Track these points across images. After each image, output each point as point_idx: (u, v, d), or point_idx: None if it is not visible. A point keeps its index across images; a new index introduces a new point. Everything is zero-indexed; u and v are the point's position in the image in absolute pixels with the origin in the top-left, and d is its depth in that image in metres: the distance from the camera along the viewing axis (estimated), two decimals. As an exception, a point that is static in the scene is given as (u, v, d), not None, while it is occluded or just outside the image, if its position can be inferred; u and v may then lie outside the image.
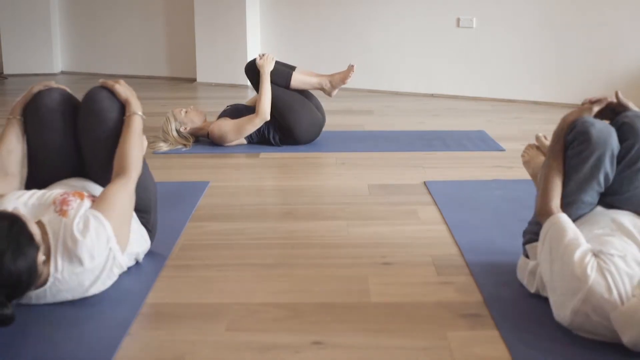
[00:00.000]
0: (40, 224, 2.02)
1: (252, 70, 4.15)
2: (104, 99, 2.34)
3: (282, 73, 4.15)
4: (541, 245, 2.01)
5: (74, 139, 2.37)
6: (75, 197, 2.11)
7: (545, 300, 2.11)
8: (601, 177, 2.06)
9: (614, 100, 2.17)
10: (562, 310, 1.88)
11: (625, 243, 1.90)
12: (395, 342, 1.91)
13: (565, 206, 2.08)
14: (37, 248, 1.89)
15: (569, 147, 2.10)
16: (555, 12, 5.51)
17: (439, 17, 5.95)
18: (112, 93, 2.36)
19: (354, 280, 2.32)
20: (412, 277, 2.35)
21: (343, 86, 4.43)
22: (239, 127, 4.09)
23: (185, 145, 4.13)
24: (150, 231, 2.46)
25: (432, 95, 6.11)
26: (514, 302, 2.12)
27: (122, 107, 2.37)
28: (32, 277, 1.87)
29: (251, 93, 6.26)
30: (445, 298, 2.18)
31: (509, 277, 2.29)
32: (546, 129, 4.68)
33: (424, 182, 3.44)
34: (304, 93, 4.24)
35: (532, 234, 2.18)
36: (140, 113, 2.37)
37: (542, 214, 2.07)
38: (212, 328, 2.00)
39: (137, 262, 2.37)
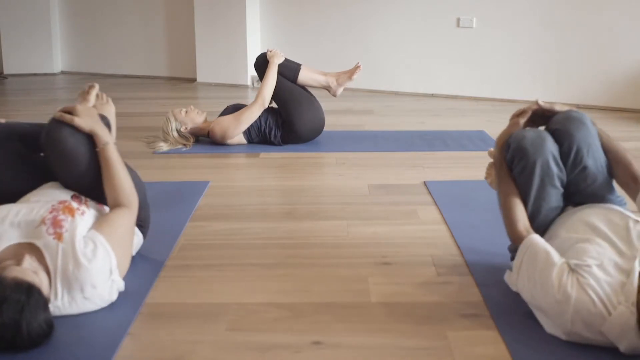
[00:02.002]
0: (35, 248, 1.98)
1: (261, 64, 4.18)
2: (66, 137, 2.15)
3: (290, 67, 4.18)
4: (516, 274, 2.01)
5: (36, 171, 2.29)
6: (66, 214, 2.06)
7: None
8: (554, 181, 2.09)
9: (536, 107, 2.21)
10: (554, 330, 1.88)
11: (601, 247, 1.88)
12: (395, 342, 1.91)
13: (533, 220, 2.10)
14: (48, 306, 1.86)
15: (512, 168, 2.14)
16: (555, 12, 5.51)
17: (439, 17, 5.95)
18: (73, 127, 2.17)
19: (354, 280, 2.32)
20: (412, 277, 2.35)
21: (345, 86, 4.45)
22: (238, 118, 4.09)
23: (185, 145, 4.13)
24: (142, 227, 2.45)
25: (432, 95, 6.11)
26: (514, 302, 2.12)
27: (89, 136, 2.20)
28: (51, 330, 1.85)
29: (251, 93, 6.26)
30: (445, 298, 2.18)
31: (509, 277, 2.29)
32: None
33: (424, 182, 3.44)
34: (307, 92, 4.25)
35: (514, 252, 2.18)
36: (111, 140, 2.24)
37: (514, 239, 2.09)
38: (212, 328, 2.00)
39: (132, 257, 2.37)
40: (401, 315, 2.07)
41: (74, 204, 2.13)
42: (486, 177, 2.63)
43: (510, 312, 2.06)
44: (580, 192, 2.13)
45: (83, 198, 2.25)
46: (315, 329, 1.99)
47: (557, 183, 2.10)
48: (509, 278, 2.12)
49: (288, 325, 2.02)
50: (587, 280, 1.79)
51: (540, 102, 2.23)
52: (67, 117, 2.18)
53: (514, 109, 6.01)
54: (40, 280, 1.89)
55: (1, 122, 2.39)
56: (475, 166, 3.74)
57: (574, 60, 5.51)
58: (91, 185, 2.24)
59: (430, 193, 3.25)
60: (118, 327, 1.98)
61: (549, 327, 1.90)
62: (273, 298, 2.19)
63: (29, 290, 1.78)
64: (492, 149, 2.61)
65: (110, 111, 3.25)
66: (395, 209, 3.06)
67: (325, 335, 1.95)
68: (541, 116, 2.24)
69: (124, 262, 2.12)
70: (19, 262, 1.91)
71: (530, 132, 2.12)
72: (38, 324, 1.77)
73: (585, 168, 2.10)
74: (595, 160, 2.10)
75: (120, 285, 2.09)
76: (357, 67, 4.30)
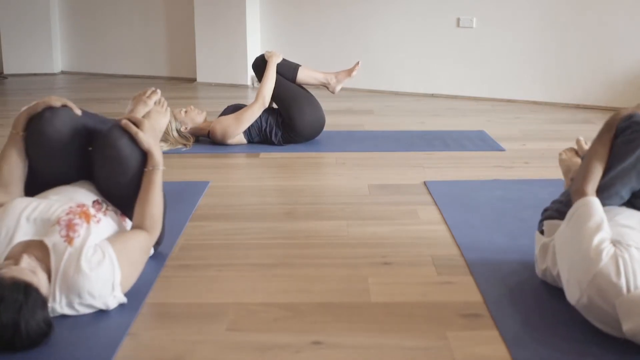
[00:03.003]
0: (43, 245, 1.98)
1: (259, 65, 4.18)
2: (125, 146, 2.18)
3: (289, 67, 4.18)
4: (567, 222, 2.02)
5: (79, 164, 2.30)
6: (82, 219, 2.05)
7: (546, 299, 2.11)
8: None
9: None
10: (571, 288, 1.90)
11: None
12: (395, 342, 1.91)
13: (600, 193, 2.08)
14: (47, 305, 1.86)
15: (620, 135, 2.09)
16: (555, 12, 5.51)
17: (439, 17, 5.95)
18: (133, 139, 2.21)
19: (354, 280, 2.32)
20: (412, 277, 2.35)
21: (344, 86, 4.46)
22: (238, 117, 4.09)
23: (185, 145, 4.13)
24: (158, 244, 2.46)
25: (432, 95, 6.11)
26: (514, 302, 2.12)
27: (143, 154, 2.23)
28: (50, 329, 1.85)
29: (251, 93, 6.27)
30: (445, 298, 2.18)
31: (509, 277, 2.29)
32: (546, 128, 4.70)
33: (424, 182, 3.44)
34: (307, 92, 4.26)
35: (553, 211, 2.19)
36: (161, 166, 2.26)
37: (576, 193, 2.07)
38: (212, 328, 2.00)
39: None
40: (401, 315, 2.07)
41: (92, 211, 2.12)
42: (560, 154, 2.67)
43: (510, 312, 2.06)
44: None
45: (104, 206, 2.24)
46: (315, 329, 1.99)
47: None
48: (549, 226, 2.13)
49: (288, 325, 2.01)
50: (623, 254, 1.82)
51: None
52: (133, 128, 2.21)
53: (514, 109, 6.00)
54: (38, 279, 1.88)
55: (68, 108, 2.30)
56: (475, 166, 3.74)
57: (574, 60, 5.51)
58: (125, 198, 2.26)
59: (430, 193, 3.25)
60: (118, 327, 1.98)
61: (568, 285, 1.92)
62: (273, 298, 2.19)
63: (27, 290, 1.78)
64: (581, 138, 2.63)
65: (163, 122, 3.20)
66: (395, 209, 3.06)
67: (325, 335, 1.95)
68: None
69: (128, 281, 2.11)
70: (17, 261, 1.91)
71: None
72: (37, 323, 1.77)
73: None
74: None
75: (122, 300, 2.08)
76: (356, 66, 4.31)
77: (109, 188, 2.28)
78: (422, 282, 2.30)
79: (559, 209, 2.16)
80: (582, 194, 2.04)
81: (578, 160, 2.60)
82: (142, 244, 2.19)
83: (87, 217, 2.07)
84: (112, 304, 2.05)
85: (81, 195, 2.23)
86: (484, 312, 2.08)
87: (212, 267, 2.44)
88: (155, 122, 2.86)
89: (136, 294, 2.17)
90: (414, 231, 2.78)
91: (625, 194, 2.10)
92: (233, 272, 2.39)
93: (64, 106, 2.29)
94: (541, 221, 2.24)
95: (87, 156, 2.32)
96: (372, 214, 2.99)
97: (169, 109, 3.22)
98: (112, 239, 2.09)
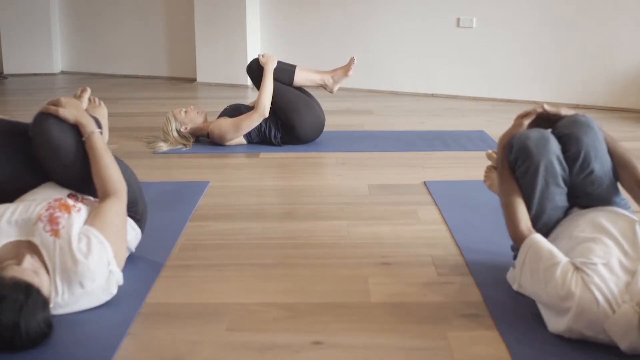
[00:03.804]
0: (32, 245, 1.99)
1: (254, 70, 4.15)
2: (51, 128, 2.17)
3: (285, 70, 4.16)
4: (519, 272, 2.01)
5: (31, 168, 2.27)
6: (62, 211, 2.06)
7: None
8: (558, 180, 2.09)
9: (542, 110, 2.19)
10: (556, 327, 1.88)
11: (607, 247, 1.89)
12: (395, 342, 1.91)
13: (537, 220, 2.10)
14: (48, 306, 1.86)
15: (516, 168, 2.14)
16: (555, 12, 5.51)
17: (439, 17, 5.95)
18: (58, 118, 2.18)
19: (354, 280, 2.32)
20: (412, 277, 2.35)
21: (343, 86, 4.45)
22: (237, 124, 4.09)
23: (185, 145, 4.13)
24: (140, 220, 2.45)
25: (432, 95, 6.11)
26: (514, 302, 2.12)
27: (75, 128, 2.21)
28: (50, 330, 1.85)
29: (251, 93, 6.27)
30: (445, 298, 2.18)
31: (509, 277, 2.29)
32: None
33: (424, 182, 3.44)
34: (305, 92, 4.25)
35: (516, 251, 2.18)
36: (96, 130, 2.25)
37: (516, 238, 2.09)
38: (212, 328, 2.00)
39: (130, 253, 2.38)
40: (401, 315, 2.07)
41: (70, 201, 2.13)
42: (485, 180, 2.62)
43: (510, 312, 2.06)
44: (587, 195, 2.14)
45: (80, 196, 2.25)
46: (315, 329, 1.99)
47: (561, 182, 2.10)
48: (511, 276, 2.12)
49: (288, 325, 2.01)
50: (592, 279, 1.79)
51: (546, 107, 2.22)
52: (52, 108, 2.19)
53: (514, 109, 6.01)
54: (40, 280, 1.88)
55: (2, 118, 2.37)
56: (475, 166, 3.74)
57: (574, 60, 5.51)
58: (79, 176, 2.24)
59: (430, 193, 3.25)
60: (118, 327, 1.98)
61: (551, 324, 1.90)
62: (273, 298, 2.19)
63: (28, 290, 1.78)
64: (490, 151, 2.61)
65: (103, 114, 3.24)
66: (395, 209, 3.06)
67: (325, 335, 1.95)
68: (546, 120, 2.23)
69: (120, 252, 2.12)
70: (19, 261, 1.91)
71: (534, 133, 2.12)
72: (37, 324, 1.77)
73: (592, 172, 2.10)
74: (602, 165, 2.11)
75: (119, 277, 2.09)
76: (351, 62, 4.26)
77: (63, 177, 2.26)
78: (422, 282, 2.30)
79: (516, 255, 2.14)
80: (521, 237, 2.04)
81: (493, 175, 2.56)
82: (115, 210, 2.16)
83: (67, 208, 2.08)
84: (112, 285, 2.06)
85: (55, 192, 2.23)
86: (484, 312, 2.08)
87: (212, 267, 2.44)
88: (97, 116, 2.84)
89: (136, 294, 2.17)
90: (414, 231, 2.78)
91: (561, 203, 2.12)
92: (233, 272, 2.39)
93: None
94: (514, 257, 2.20)
95: (33, 158, 2.30)
96: (372, 214, 2.99)
97: (102, 102, 3.22)
98: (89, 221, 2.09)
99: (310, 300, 2.18)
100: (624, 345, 1.74)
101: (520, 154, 2.11)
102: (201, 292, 2.24)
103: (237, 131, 4.10)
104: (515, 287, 2.08)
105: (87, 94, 3.10)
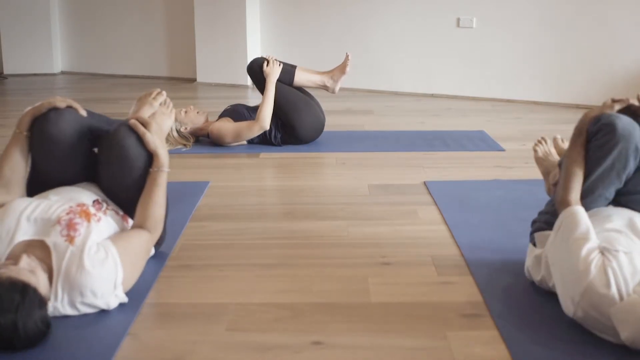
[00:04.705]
0: (44, 245, 1.98)
1: (255, 70, 4.16)
2: (132, 146, 2.20)
3: (285, 71, 4.16)
4: (554, 234, 2.02)
5: (83, 165, 2.30)
6: (82, 218, 2.05)
7: (546, 299, 2.11)
8: (623, 171, 2.06)
9: (636, 103, 2.17)
10: (566, 300, 1.90)
11: (633, 242, 1.90)
12: (395, 342, 1.91)
13: (584, 198, 2.08)
14: (45, 305, 1.86)
15: (593, 139, 2.09)
16: (555, 12, 5.51)
17: (439, 17, 5.95)
18: (140, 139, 2.22)
19: (354, 280, 2.32)
20: (412, 277, 2.35)
21: (343, 86, 4.44)
22: (237, 132, 4.10)
23: (185, 145, 4.13)
24: (158, 244, 2.45)
25: (432, 95, 6.11)
26: (514, 302, 2.12)
27: (149, 155, 2.24)
28: (48, 329, 1.85)
29: (251, 93, 6.27)
30: (445, 298, 2.18)
31: (509, 277, 2.29)
32: (546, 129, 4.70)
33: (424, 182, 3.44)
34: (305, 93, 4.25)
35: (541, 223, 2.19)
36: (167, 169, 2.27)
37: (560, 203, 2.07)
38: (212, 328, 2.00)
39: None
40: (401, 315, 2.07)
41: (92, 210, 2.13)
42: (535, 150, 2.71)
43: (510, 312, 2.06)
44: (632, 194, 2.11)
45: (104, 205, 2.24)
46: (315, 329, 1.99)
47: (623, 176, 2.07)
48: (540, 237, 2.13)
49: (288, 325, 2.01)
50: (611, 263, 1.81)
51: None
52: (141, 128, 2.22)
53: (514, 109, 6.00)
54: (37, 279, 1.88)
55: (73, 109, 2.30)
56: (475, 166, 3.74)
57: (574, 60, 5.51)
58: (128, 198, 2.27)
59: (430, 193, 3.25)
60: (118, 327, 1.98)
61: (562, 297, 1.92)
62: (273, 298, 2.19)
63: (24, 290, 1.78)
64: (559, 136, 2.62)
65: (167, 123, 3.21)
66: (395, 209, 3.06)
67: (325, 335, 1.95)
68: (632, 113, 2.20)
69: (129, 281, 2.11)
70: (16, 261, 1.91)
71: (625, 117, 2.08)
72: (34, 323, 1.77)
73: None
74: None
75: (123, 299, 2.09)
76: (346, 59, 4.24)
77: (113, 188, 2.29)
78: (422, 282, 2.30)
79: (547, 220, 2.15)
80: (566, 204, 2.04)
81: (554, 160, 2.58)
82: (143, 245, 2.19)
83: (87, 216, 2.07)
84: (114, 303, 2.05)
85: (81, 195, 2.23)
86: (484, 312, 2.08)
87: (212, 267, 2.44)
88: (161, 124, 2.86)
89: (136, 294, 2.17)
90: (414, 231, 2.78)
91: (610, 195, 2.11)
92: (233, 272, 2.39)
93: (69, 107, 2.29)
94: (532, 233, 2.23)
95: (91, 157, 2.33)
96: (372, 214, 2.99)
97: (174, 110, 3.21)
98: (114, 238, 2.09)
99: (310, 300, 2.18)
100: (624, 334, 1.75)
101: (605, 128, 2.05)
102: (201, 292, 2.24)
103: (236, 139, 4.12)
104: (531, 262, 2.14)
105: (162, 98, 2.98)
